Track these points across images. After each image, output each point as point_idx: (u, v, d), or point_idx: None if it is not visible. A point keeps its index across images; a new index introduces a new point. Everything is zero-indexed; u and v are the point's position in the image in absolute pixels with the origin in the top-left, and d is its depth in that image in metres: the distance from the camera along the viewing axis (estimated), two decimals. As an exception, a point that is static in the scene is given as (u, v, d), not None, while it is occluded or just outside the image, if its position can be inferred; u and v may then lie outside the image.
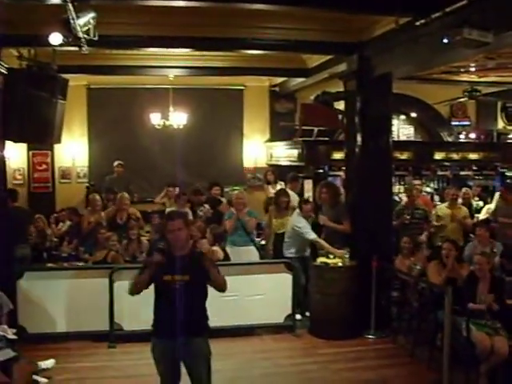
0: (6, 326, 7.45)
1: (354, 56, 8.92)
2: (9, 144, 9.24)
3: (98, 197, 10.85)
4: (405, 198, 11.35)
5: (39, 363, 6.91)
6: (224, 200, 11.47)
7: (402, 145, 13.90)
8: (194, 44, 9.02)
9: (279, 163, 14.10)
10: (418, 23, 6.54)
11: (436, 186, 14.33)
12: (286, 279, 8.65)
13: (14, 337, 7.22)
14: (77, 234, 10.35)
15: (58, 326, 8.25)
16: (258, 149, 15.04)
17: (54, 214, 11.93)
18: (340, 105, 10.71)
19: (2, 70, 8.05)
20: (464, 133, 16.37)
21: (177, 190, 11.68)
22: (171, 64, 11.43)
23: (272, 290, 8.58)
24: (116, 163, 12.99)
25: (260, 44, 9.04)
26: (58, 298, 8.25)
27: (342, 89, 9.77)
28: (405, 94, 14.46)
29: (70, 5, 5.82)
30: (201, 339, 5.06)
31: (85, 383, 6.89)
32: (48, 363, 7.04)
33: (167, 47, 9.39)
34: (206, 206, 10.86)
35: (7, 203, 9.17)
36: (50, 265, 9.22)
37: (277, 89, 14.82)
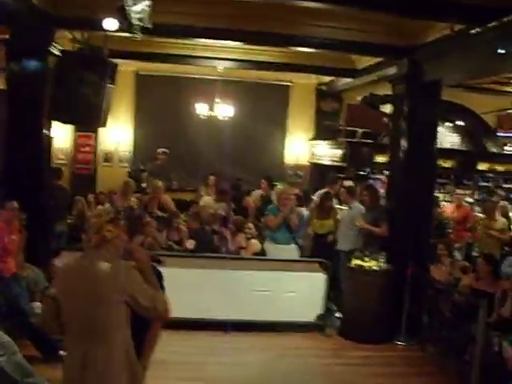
0: (39, 304, 7.59)
1: (404, 60, 8.84)
2: (55, 124, 9.39)
3: (131, 182, 10.97)
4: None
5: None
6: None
7: (446, 153, 13.77)
8: (245, 37, 9.03)
9: (321, 162, 14.06)
10: (473, 31, 6.45)
11: (478, 197, 14.17)
12: (319, 279, 8.64)
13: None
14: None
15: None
16: (301, 146, 15.03)
17: (91, 194, 12.06)
18: (386, 108, 10.63)
19: (56, 52, 8.18)
20: (509, 144, 16.09)
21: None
22: (220, 56, 11.46)
23: (305, 288, 8.59)
24: (160, 150, 13.03)
25: (310, 42, 9.01)
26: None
27: (389, 92, 9.70)
28: (452, 102, 14.27)
29: (127, -9, 5.86)
30: None
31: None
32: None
33: (218, 39, 9.37)
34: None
35: (50, 181, 9.35)
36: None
37: (324, 87, 14.76)
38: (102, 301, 3.62)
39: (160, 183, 10.36)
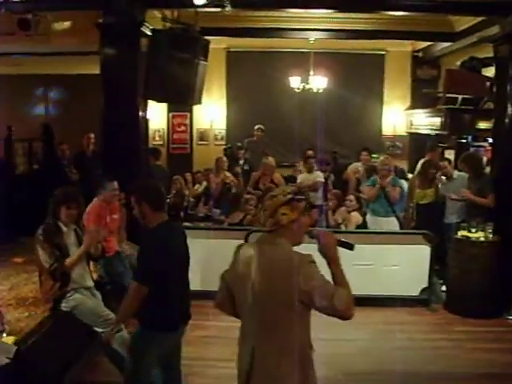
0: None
1: (508, 17, 8.25)
2: (150, 105, 9.50)
3: (223, 158, 11.17)
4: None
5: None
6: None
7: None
8: (336, 4, 8.74)
9: (419, 131, 13.65)
10: None
11: None
12: (424, 251, 8.37)
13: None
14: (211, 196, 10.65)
15: (191, 284, 8.41)
16: (398, 116, 14.65)
17: (188, 173, 12.29)
18: (489, 71, 10.13)
19: (147, 32, 8.21)
20: None
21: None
22: (312, 27, 11.27)
23: (409, 261, 8.34)
24: (256, 127, 13.01)
25: (404, 5, 8.60)
26: (193, 257, 8.40)
27: (491, 54, 9.21)
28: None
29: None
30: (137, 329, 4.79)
31: (214, 342, 6.99)
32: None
33: (308, 8, 9.10)
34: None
35: (148, 161, 9.49)
36: (186, 224, 9.43)
37: (420, 54, 14.33)
38: (272, 296, 3.24)
39: (271, 160, 10.29)
